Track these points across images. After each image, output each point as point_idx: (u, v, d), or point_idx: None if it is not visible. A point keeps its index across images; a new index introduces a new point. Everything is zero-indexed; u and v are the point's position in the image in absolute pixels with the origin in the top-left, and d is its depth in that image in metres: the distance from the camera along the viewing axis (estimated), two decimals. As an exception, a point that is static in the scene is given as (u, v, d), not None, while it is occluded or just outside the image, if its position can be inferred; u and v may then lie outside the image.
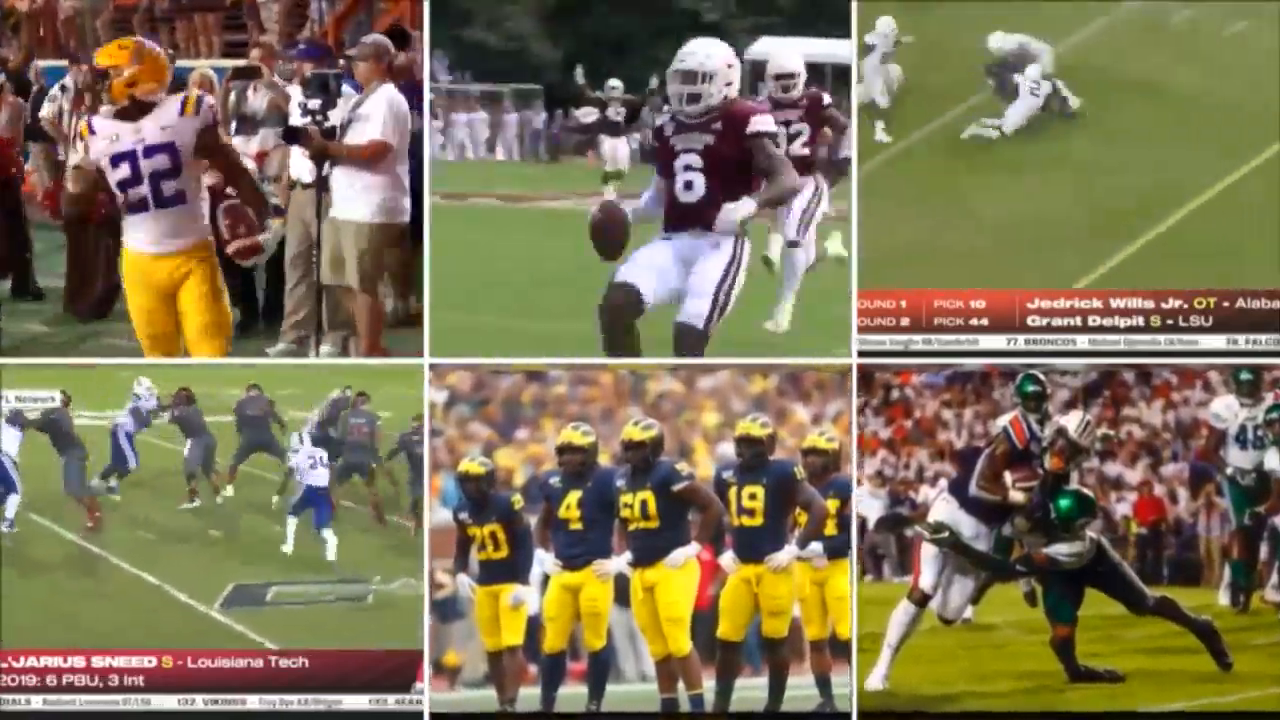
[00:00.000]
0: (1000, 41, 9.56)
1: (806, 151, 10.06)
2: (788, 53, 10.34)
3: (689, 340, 7.42)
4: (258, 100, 10.68)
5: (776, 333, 10.07)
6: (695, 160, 7.42)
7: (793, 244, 10.21)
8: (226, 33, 15.06)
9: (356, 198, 9.18)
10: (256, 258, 7.85)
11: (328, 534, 9.72)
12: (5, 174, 11.37)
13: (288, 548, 9.84)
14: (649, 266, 7.44)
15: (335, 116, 9.12)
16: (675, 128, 7.51)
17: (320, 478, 9.88)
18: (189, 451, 10.62)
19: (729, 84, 7.46)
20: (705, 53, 7.47)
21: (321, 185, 9.19)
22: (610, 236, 7.56)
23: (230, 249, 7.74)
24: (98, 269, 10.70)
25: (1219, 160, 9.05)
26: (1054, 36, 9.65)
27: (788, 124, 9.95)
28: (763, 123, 7.45)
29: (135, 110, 7.60)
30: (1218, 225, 8.86)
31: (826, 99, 10.18)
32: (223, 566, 9.51)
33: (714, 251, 7.43)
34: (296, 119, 9.30)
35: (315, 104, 9.10)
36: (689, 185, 7.46)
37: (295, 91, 10.20)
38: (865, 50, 9.40)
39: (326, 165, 9.15)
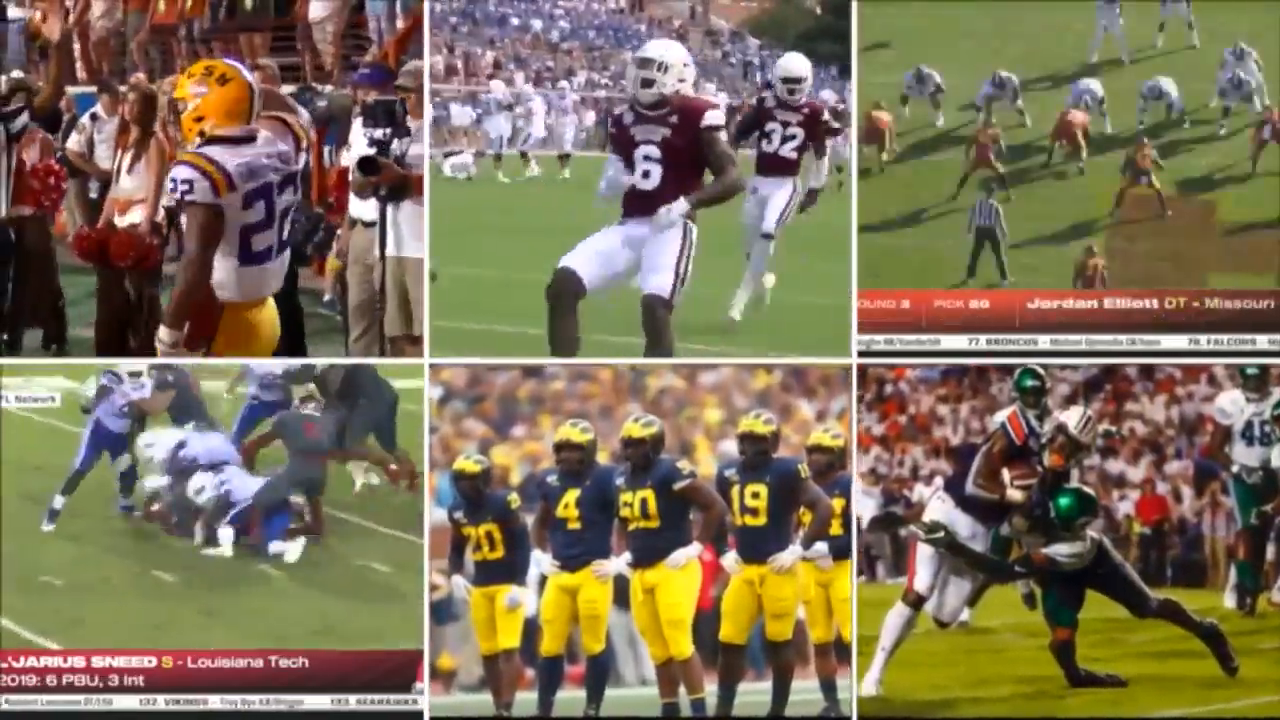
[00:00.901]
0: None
1: (795, 156, 10.67)
2: (797, 58, 10.84)
3: (659, 309, 7.66)
4: None
5: (734, 319, 10.43)
6: (654, 151, 7.79)
7: (767, 236, 10.61)
8: (276, 55, 13.64)
9: (424, 234, 8.64)
10: None
11: (278, 546, 9.09)
12: (37, 203, 10.07)
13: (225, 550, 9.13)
14: (594, 253, 7.79)
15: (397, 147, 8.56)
16: (634, 118, 7.89)
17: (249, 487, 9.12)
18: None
19: (681, 80, 7.82)
20: (665, 47, 7.93)
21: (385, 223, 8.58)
22: None
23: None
24: (132, 322, 9.62)
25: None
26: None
27: (785, 125, 10.64)
28: (715, 117, 7.80)
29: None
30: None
31: (826, 114, 10.74)
32: (173, 631, 8.28)
33: (665, 232, 7.71)
34: (363, 149, 8.60)
35: (382, 133, 8.50)
36: (646, 175, 7.82)
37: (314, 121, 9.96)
38: None
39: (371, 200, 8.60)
